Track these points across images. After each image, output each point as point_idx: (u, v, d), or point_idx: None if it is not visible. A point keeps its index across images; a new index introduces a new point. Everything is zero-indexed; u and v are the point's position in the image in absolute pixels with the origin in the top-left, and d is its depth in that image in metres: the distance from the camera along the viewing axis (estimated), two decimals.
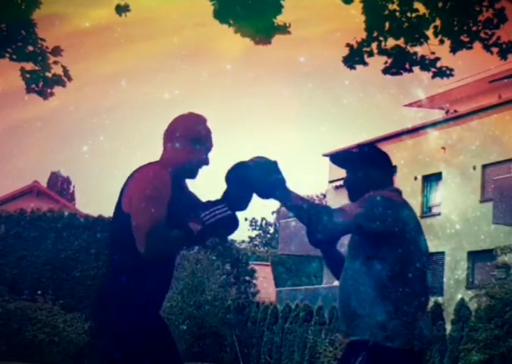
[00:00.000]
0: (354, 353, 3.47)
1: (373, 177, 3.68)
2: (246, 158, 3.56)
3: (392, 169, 3.83)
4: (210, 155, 3.80)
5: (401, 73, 9.26)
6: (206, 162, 3.78)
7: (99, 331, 3.68)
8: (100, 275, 19.54)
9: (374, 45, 9.13)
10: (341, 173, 3.83)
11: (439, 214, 24.76)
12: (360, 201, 3.52)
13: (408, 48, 9.13)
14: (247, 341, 19.78)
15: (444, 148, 24.70)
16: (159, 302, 3.71)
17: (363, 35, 9.10)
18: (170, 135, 3.74)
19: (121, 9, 9.36)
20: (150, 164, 3.69)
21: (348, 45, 9.17)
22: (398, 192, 3.75)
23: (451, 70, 9.20)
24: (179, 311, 19.33)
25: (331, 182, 26.13)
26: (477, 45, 9.01)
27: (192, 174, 3.75)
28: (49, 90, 10.20)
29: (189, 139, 3.70)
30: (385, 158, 3.79)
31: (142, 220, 3.46)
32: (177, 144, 3.70)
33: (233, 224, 3.62)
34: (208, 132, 3.78)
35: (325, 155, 29.57)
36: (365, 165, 3.70)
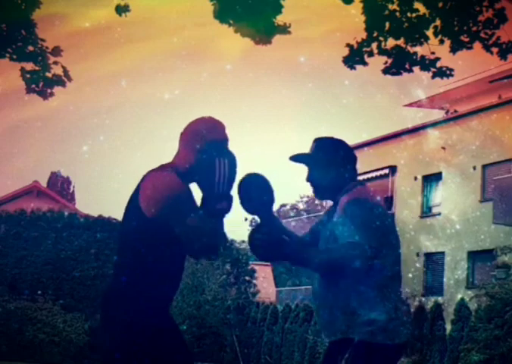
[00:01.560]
0: (344, 348, 3.46)
1: (342, 172, 3.59)
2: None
3: (355, 160, 3.69)
4: None
5: (401, 73, 9.26)
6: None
7: (102, 331, 3.68)
8: (100, 275, 19.56)
9: (374, 45, 9.13)
10: None
11: (439, 214, 24.75)
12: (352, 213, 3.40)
13: (408, 48, 9.13)
14: (247, 341, 19.77)
15: (444, 148, 24.70)
16: (165, 302, 3.69)
17: (363, 35, 9.10)
18: (186, 137, 3.70)
19: (121, 9, 9.36)
20: (162, 169, 3.66)
21: (348, 45, 9.17)
22: (364, 185, 3.65)
23: (451, 70, 9.20)
24: (179, 311, 19.33)
25: None
26: (477, 45, 9.01)
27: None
28: (49, 90, 10.19)
29: (206, 142, 3.64)
30: (347, 148, 3.69)
31: (182, 223, 3.50)
32: (192, 146, 3.66)
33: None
34: (225, 138, 3.71)
35: None
36: (329, 159, 3.59)
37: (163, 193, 3.52)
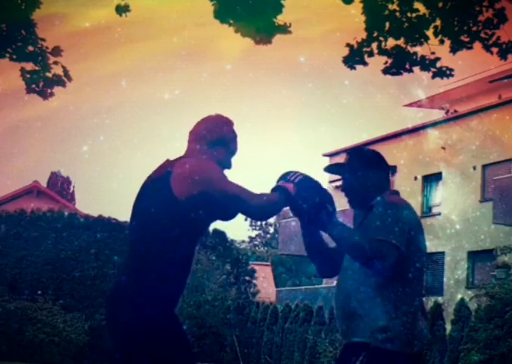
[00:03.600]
0: (353, 353, 3.46)
1: (373, 181, 3.64)
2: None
3: (390, 169, 3.78)
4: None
5: (401, 73, 9.26)
6: (228, 166, 3.75)
7: (109, 331, 3.67)
8: (100, 275, 19.56)
9: (374, 45, 9.13)
10: None
11: (439, 214, 24.76)
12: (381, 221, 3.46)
13: (408, 48, 9.13)
14: (247, 341, 19.78)
15: (444, 148, 24.71)
16: (169, 303, 3.65)
17: (363, 35, 9.10)
18: (194, 136, 3.70)
19: (121, 9, 9.37)
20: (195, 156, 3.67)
21: (348, 45, 9.16)
22: (398, 193, 3.72)
23: (451, 70, 9.20)
24: (179, 311, 19.23)
25: (331, 182, 26.09)
26: (477, 45, 9.01)
27: None
28: (49, 90, 10.19)
29: (213, 141, 3.66)
30: (382, 159, 3.75)
31: (237, 189, 3.53)
32: (200, 145, 3.66)
33: (315, 185, 3.65)
34: (233, 135, 3.74)
35: (325, 155, 29.56)
36: (365, 169, 3.65)
37: (211, 171, 3.53)
